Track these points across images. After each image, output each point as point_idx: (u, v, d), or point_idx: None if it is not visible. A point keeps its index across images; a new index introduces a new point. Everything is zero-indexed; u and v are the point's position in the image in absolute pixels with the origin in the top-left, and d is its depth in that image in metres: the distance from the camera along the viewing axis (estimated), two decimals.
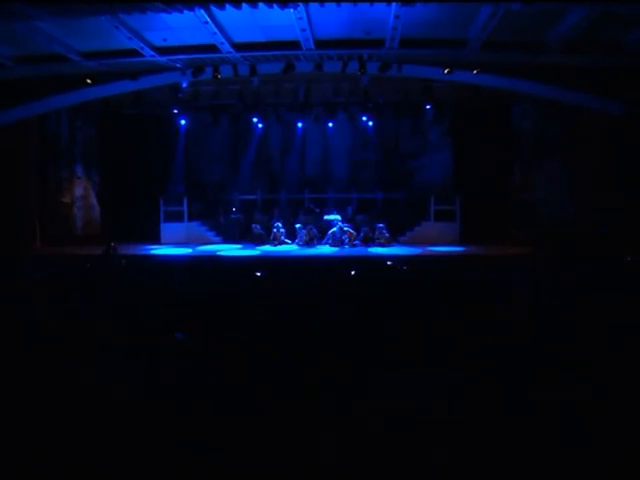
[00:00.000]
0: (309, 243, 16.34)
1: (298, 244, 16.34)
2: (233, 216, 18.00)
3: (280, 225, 16.59)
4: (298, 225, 16.69)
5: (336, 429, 3.01)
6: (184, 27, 11.60)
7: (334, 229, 16.22)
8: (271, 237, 16.52)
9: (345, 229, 16.22)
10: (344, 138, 19.02)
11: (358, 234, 16.44)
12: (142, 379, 3.71)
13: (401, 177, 18.65)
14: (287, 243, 16.49)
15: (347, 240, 16.02)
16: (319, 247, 15.99)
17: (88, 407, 3.21)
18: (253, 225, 16.98)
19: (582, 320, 4.87)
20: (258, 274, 8.58)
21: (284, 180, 19.22)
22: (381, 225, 16.05)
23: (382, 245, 15.79)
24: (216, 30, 11.62)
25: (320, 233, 16.53)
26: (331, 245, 15.97)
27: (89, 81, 13.74)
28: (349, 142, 19.21)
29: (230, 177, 19.07)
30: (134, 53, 12.73)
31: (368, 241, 16.13)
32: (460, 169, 17.93)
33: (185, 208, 17.41)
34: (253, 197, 18.62)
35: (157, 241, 16.86)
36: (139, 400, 3.31)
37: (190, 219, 17.52)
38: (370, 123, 18.26)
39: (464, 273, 8.10)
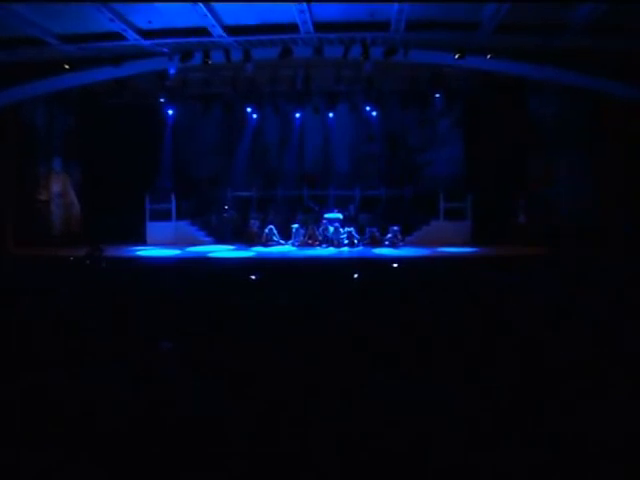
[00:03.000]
0: (307, 244, 16.35)
1: (294, 245, 16.35)
2: (226, 214, 17.99)
3: (272, 227, 16.62)
4: (296, 225, 16.69)
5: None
6: (171, 8, 11.55)
7: (330, 229, 16.26)
8: (263, 238, 16.54)
9: (342, 230, 16.24)
10: (346, 130, 19.02)
11: (363, 234, 16.44)
12: (127, 395, 3.68)
13: (408, 172, 18.64)
14: (281, 244, 16.50)
15: (345, 240, 16.02)
16: (318, 249, 15.99)
17: (68, 430, 3.18)
18: (252, 221, 16.99)
19: (628, 332, 4.77)
20: (253, 277, 8.57)
21: (281, 175, 19.22)
22: (396, 228, 16.11)
23: (389, 246, 15.81)
24: (206, 12, 11.59)
25: (321, 233, 16.56)
26: (321, 245, 16.02)
27: (67, 67, 13.68)
28: (351, 134, 19.20)
29: (222, 172, 19.06)
30: (117, 37, 12.67)
31: (375, 242, 16.14)
32: (472, 163, 17.91)
33: (173, 206, 17.39)
34: (247, 194, 18.64)
35: (142, 242, 16.85)
36: (124, 421, 3.28)
37: (179, 218, 17.51)
38: (374, 113, 18.24)
39: (478, 276, 8.10)
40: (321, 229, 16.63)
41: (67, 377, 3.89)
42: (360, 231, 16.64)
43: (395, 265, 10.98)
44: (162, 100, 17.45)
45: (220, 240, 17.23)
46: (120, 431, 3.16)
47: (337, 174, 19.17)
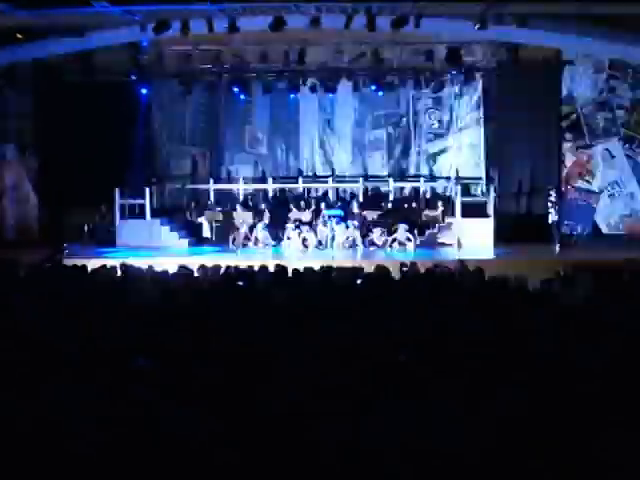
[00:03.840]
0: (304, 245, 16.36)
1: (288, 246, 16.37)
2: (208, 211, 18.01)
3: (262, 225, 16.63)
4: (290, 226, 16.70)
5: None
6: None
7: (329, 227, 16.31)
8: (252, 239, 16.55)
9: (343, 228, 16.27)
10: (348, 113, 19.07)
11: (367, 234, 16.47)
12: (95, 418, 3.71)
13: (420, 163, 18.69)
14: (273, 246, 16.52)
15: (346, 241, 16.06)
16: (316, 250, 16.00)
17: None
18: (239, 222, 16.99)
19: None
20: (240, 284, 8.57)
21: (273, 166, 19.25)
22: (406, 227, 16.11)
23: (397, 248, 15.85)
24: None
25: (319, 233, 16.59)
26: (319, 246, 16.10)
27: (20, 36, 13.61)
28: (355, 118, 19.25)
29: (205, 162, 19.08)
30: (79, 1, 12.66)
31: (382, 243, 16.16)
32: (495, 152, 17.94)
33: (147, 201, 17.42)
34: (234, 187, 18.64)
35: (111, 243, 16.84)
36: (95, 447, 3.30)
37: (154, 215, 17.53)
38: (381, 94, 18.30)
39: (503, 283, 8.13)
40: (317, 227, 16.64)
41: (23, 398, 3.90)
42: (364, 230, 16.66)
43: (405, 269, 11.00)
44: (134, 78, 17.45)
45: (202, 242, 17.23)
46: (88, 457, 3.19)
47: (338, 165, 19.22)
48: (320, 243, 16.44)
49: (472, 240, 16.10)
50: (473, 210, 16.74)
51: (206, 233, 17.59)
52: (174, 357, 4.80)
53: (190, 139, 19.37)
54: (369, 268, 12.60)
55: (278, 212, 17.88)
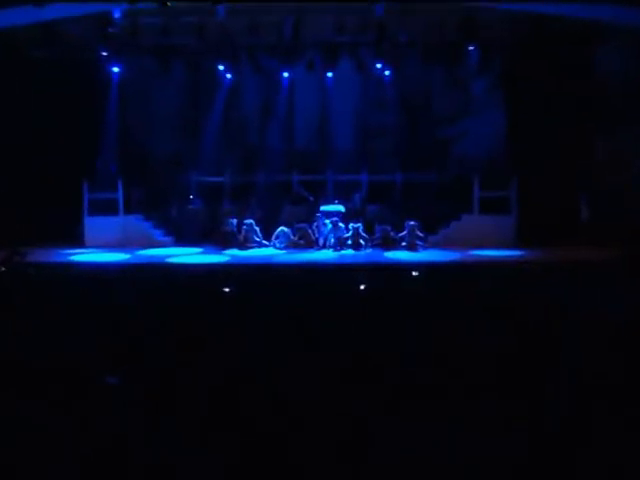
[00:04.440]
0: (298, 246, 16.35)
1: (281, 247, 16.37)
2: (191, 207, 17.98)
3: (252, 222, 16.62)
4: (282, 229, 16.70)
5: None
6: None
7: (328, 225, 16.29)
8: (240, 238, 16.57)
9: (345, 227, 16.26)
10: (350, 94, 19.04)
11: (372, 233, 16.45)
12: (59, 443, 3.71)
13: (432, 150, 18.67)
14: (263, 246, 16.53)
15: (348, 241, 16.04)
16: (313, 252, 16.02)
17: None
18: (225, 219, 16.96)
19: None
20: (226, 290, 8.59)
21: (264, 155, 19.20)
22: (413, 223, 16.09)
23: (406, 248, 15.86)
24: None
25: (317, 231, 16.59)
26: (317, 247, 16.11)
27: None
28: (357, 100, 19.23)
29: (186, 150, 19.03)
30: None
31: (388, 243, 16.15)
32: (517, 138, 17.92)
33: (120, 195, 17.39)
34: (219, 180, 18.66)
35: (79, 243, 16.84)
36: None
37: (128, 211, 17.53)
38: (387, 72, 18.29)
39: (526, 289, 8.10)
40: (315, 225, 16.64)
41: None
42: (368, 229, 16.66)
43: (415, 274, 10.99)
44: (104, 54, 17.40)
45: (183, 241, 17.25)
46: None
47: (338, 153, 19.17)
48: (317, 243, 16.46)
49: (491, 240, 16.10)
50: (492, 205, 16.76)
51: (188, 230, 17.53)
52: (150, 375, 4.80)
53: (169, 124, 19.32)
54: (374, 272, 12.65)
55: (269, 207, 17.88)
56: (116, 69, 18.05)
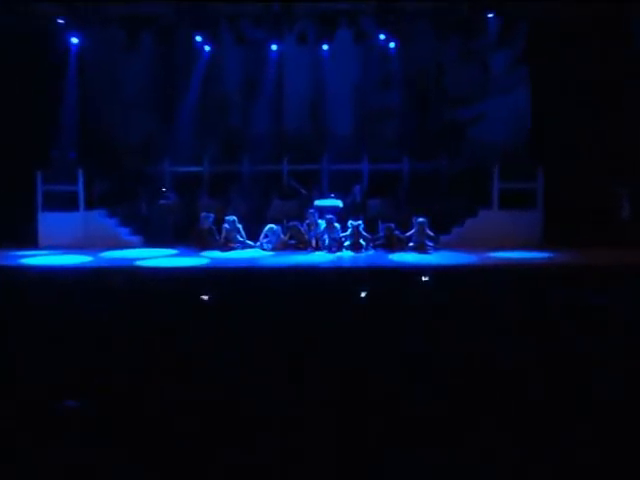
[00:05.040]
0: (289, 247, 16.35)
1: (268, 248, 16.36)
2: (163, 201, 17.96)
3: (235, 220, 16.59)
4: (270, 227, 16.67)
5: None
6: None
7: (323, 223, 16.28)
8: (221, 238, 16.56)
9: (342, 225, 16.26)
10: (349, 70, 19.05)
11: (374, 231, 16.44)
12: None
13: (444, 135, 18.69)
14: (249, 246, 16.53)
15: (346, 241, 16.02)
16: (306, 254, 16.01)
17: None
18: (203, 215, 16.93)
19: None
20: (205, 299, 8.58)
21: (248, 141, 19.19)
22: (422, 220, 16.06)
23: (414, 250, 15.86)
24: None
25: (310, 230, 16.57)
26: (310, 249, 16.17)
27: None
28: (357, 77, 19.24)
29: (158, 135, 19.04)
30: None
31: (393, 244, 16.13)
32: (544, 121, 17.93)
33: (80, 188, 17.35)
34: (197, 169, 18.68)
35: (31, 243, 16.79)
36: None
37: (89, 206, 17.48)
38: (392, 45, 18.30)
39: (555, 297, 8.09)
40: (306, 223, 16.62)
41: None
42: (370, 227, 16.66)
43: (424, 279, 11.00)
44: (62, 22, 17.35)
45: (155, 241, 17.23)
46: None
47: (335, 138, 19.19)
48: (310, 243, 16.47)
49: (514, 240, 16.11)
50: (515, 200, 16.74)
51: (160, 229, 17.50)
52: (114, 400, 4.78)
53: (138, 105, 19.32)
54: (377, 277, 12.65)
55: (255, 202, 17.88)
56: (76, 40, 18.00)
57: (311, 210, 16.78)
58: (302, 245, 16.50)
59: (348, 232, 16.14)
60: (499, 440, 4.15)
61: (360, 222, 16.25)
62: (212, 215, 16.78)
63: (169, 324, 7.23)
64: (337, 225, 16.21)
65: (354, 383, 5.05)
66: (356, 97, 19.35)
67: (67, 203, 17.33)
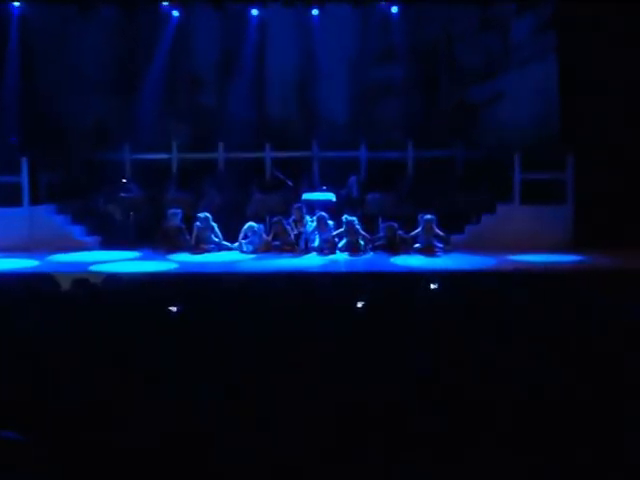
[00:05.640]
0: (273, 249, 16.35)
1: (248, 250, 16.35)
2: (123, 195, 17.94)
3: (209, 217, 16.56)
4: (250, 225, 16.65)
5: None
6: None
7: (310, 223, 16.28)
8: (192, 238, 16.54)
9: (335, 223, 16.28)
10: (343, 40, 19.07)
11: (373, 231, 16.45)
12: None
13: (456, 117, 18.72)
14: (226, 248, 16.54)
15: (340, 242, 16.03)
16: (292, 257, 16.01)
17: None
18: (170, 211, 16.91)
19: None
20: (173, 310, 8.58)
21: (224, 124, 19.20)
22: (430, 217, 16.05)
23: (421, 252, 15.87)
24: None
25: (297, 229, 16.57)
26: (297, 250, 16.13)
27: None
28: (353, 48, 19.29)
29: (117, 118, 19.02)
30: None
31: (395, 245, 16.13)
32: (575, 100, 17.94)
33: (25, 179, 17.35)
34: (163, 157, 18.72)
35: None
36: None
37: (36, 201, 17.49)
38: (394, 10, 18.36)
39: (589, 307, 8.09)
40: (292, 219, 16.62)
41: None
42: (368, 225, 16.69)
43: (433, 287, 11.00)
44: None
45: (113, 242, 17.22)
46: None
47: (327, 121, 19.22)
48: (297, 244, 16.47)
49: (538, 240, 16.16)
50: (541, 193, 16.80)
51: (122, 228, 17.51)
52: (63, 430, 4.76)
53: (93, 82, 19.33)
54: (376, 284, 12.64)
55: (233, 195, 17.87)
56: (17, 4, 18.04)
57: (298, 205, 16.82)
58: (288, 247, 16.51)
59: (343, 229, 16.14)
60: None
61: (354, 218, 16.24)
62: (180, 211, 16.77)
63: (129, 342, 7.19)
64: (330, 223, 16.22)
65: (349, 408, 5.04)
66: (352, 72, 19.44)
67: (8, 197, 17.31)
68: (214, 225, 16.68)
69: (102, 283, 13.25)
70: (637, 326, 7.59)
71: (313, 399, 5.30)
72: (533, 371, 5.91)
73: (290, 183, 17.99)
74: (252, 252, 16.39)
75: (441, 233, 16.16)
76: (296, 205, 16.83)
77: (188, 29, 19.08)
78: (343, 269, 14.85)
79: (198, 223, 16.56)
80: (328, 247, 16.07)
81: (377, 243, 16.41)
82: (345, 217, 16.22)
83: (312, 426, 4.81)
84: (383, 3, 18.09)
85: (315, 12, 18.47)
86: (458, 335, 7.24)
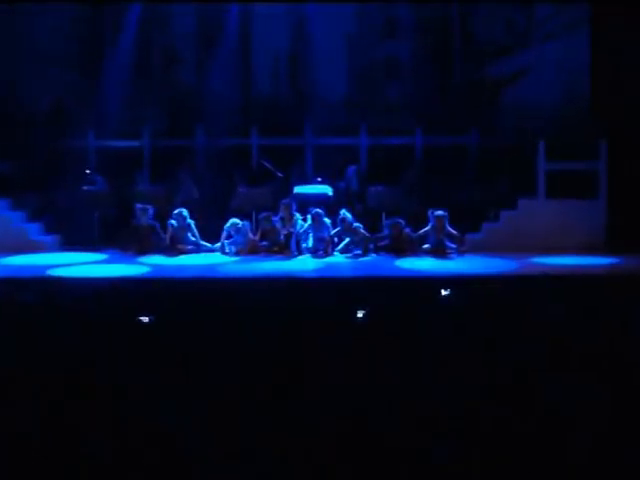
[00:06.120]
0: (259, 250, 16.36)
1: (231, 252, 16.36)
2: (87, 188, 17.93)
3: (186, 213, 16.55)
4: (233, 222, 16.64)
5: None
6: None
7: (300, 222, 16.30)
8: (167, 237, 16.53)
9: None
10: (342, 9, 19.09)
11: (375, 229, 16.46)
12: None
13: (471, 98, 18.74)
14: (206, 249, 16.56)
15: (314, 243, 16.07)
16: (282, 259, 16.02)
17: None
18: (140, 207, 16.90)
19: None
20: (144, 320, 8.61)
21: (204, 106, 19.20)
22: (441, 213, 16.04)
23: (431, 254, 15.89)
24: None
25: (287, 227, 16.58)
26: (287, 251, 16.22)
27: None
28: (352, 20, 19.33)
29: (78, 100, 19.02)
30: None
31: (401, 246, 16.14)
32: (609, 78, 17.97)
33: None
34: (133, 145, 18.77)
35: None
36: None
37: None
38: None
39: (625, 319, 8.10)
40: (279, 216, 16.62)
41: None
42: (371, 222, 16.71)
43: (444, 294, 11.02)
44: None
45: (76, 242, 17.22)
46: None
47: (322, 103, 19.23)
48: (287, 244, 16.48)
49: (567, 239, 16.19)
50: (569, 185, 16.77)
51: (86, 227, 17.49)
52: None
53: (51, 58, 19.35)
54: (378, 291, 12.65)
55: (213, 189, 17.88)
56: None
57: (286, 201, 16.82)
58: (278, 248, 16.53)
59: (338, 228, 16.15)
60: None
61: (345, 212, 16.23)
62: (150, 207, 16.72)
63: (94, 356, 7.19)
64: (327, 220, 16.23)
65: (347, 434, 5.05)
66: (351, 48, 19.42)
67: None
68: (191, 223, 16.66)
69: (62, 290, 13.28)
70: None
71: (303, 428, 5.30)
72: (571, 401, 5.90)
73: (280, 174, 17.96)
74: (236, 254, 16.39)
75: (454, 232, 16.16)
76: (284, 201, 16.74)
77: None
78: (341, 274, 14.81)
79: (173, 221, 16.55)
80: (323, 248, 16.07)
81: (380, 243, 16.41)
82: (342, 212, 16.17)
83: (297, 456, 4.83)
84: None
85: None
86: (474, 354, 7.24)
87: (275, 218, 16.63)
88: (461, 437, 5.08)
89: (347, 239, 16.15)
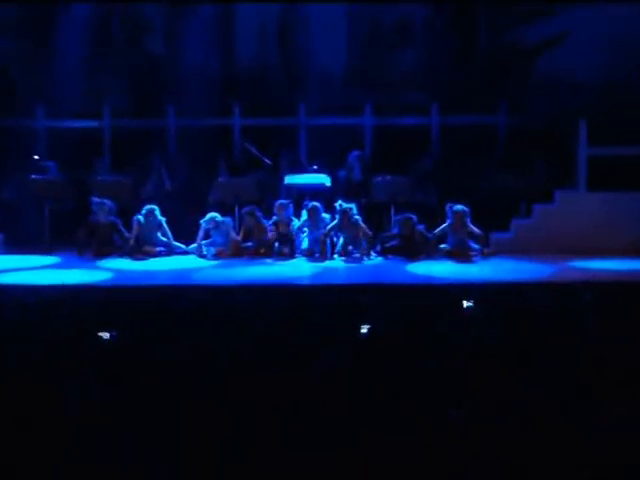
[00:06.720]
0: (245, 252, 16.40)
1: (209, 254, 16.39)
2: (35, 177, 17.93)
3: (155, 209, 16.57)
4: (212, 216, 16.65)
5: None
6: None
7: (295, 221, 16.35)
8: (132, 237, 16.53)
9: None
10: None
11: (383, 227, 16.51)
12: None
13: (498, 69, 18.78)
14: (179, 251, 16.60)
15: (309, 244, 16.12)
16: (272, 262, 16.05)
17: None
18: (97, 200, 16.92)
19: None
20: (105, 336, 8.61)
21: (177, 81, 19.24)
22: (461, 209, 16.03)
23: (449, 257, 15.91)
24: None
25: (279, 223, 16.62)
26: (278, 253, 16.28)
27: None
28: None
29: (24, 72, 19.08)
30: None
31: (414, 247, 16.16)
32: None
33: None
34: (91, 125, 18.82)
35: None
36: None
37: None
38: None
39: None
40: (272, 222, 16.66)
41: None
42: (376, 218, 16.76)
43: (467, 305, 11.05)
44: None
45: (22, 241, 17.24)
46: None
47: (319, 75, 19.28)
48: (280, 243, 16.55)
49: (612, 239, 16.25)
50: (614, 175, 16.79)
51: (35, 224, 17.52)
52: None
53: (1, 26, 19.37)
54: (388, 301, 12.68)
55: (188, 178, 17.90)
56: None
57: (283, 202, 16.81)
58: (265, 249, 16.56)
59: (335, 222, 16.15)
60: None
61: (352, 205, 16.23)
62: (108, 202, 16.71)
63: (45, 378, 7.21)
64: (325, 216, 16.25)
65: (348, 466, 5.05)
66: (353, 10, 19.46)
67: None
68: (162, 220, 16.68)
69: (6, 299, 13.29)
70: None
71: (294, 456, 5.32)
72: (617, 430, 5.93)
73: (267, 161, 17.98)
74: (215, 257, 16.43)
75: (477, 230, 16.17)
76: (281, 202, 16.67)
77: None
78: (341, 281, 14.83)
79: (140, 217, 16.57)
80: (321, 249, 16.10)
81: (388, 244, 16.41)
82: (339, 203, 16.15)
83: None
84: None
85: None
86: (501, 374, 7.25)
87: (269, 223, 16.62)
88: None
89: (342, 237, 16.12)
